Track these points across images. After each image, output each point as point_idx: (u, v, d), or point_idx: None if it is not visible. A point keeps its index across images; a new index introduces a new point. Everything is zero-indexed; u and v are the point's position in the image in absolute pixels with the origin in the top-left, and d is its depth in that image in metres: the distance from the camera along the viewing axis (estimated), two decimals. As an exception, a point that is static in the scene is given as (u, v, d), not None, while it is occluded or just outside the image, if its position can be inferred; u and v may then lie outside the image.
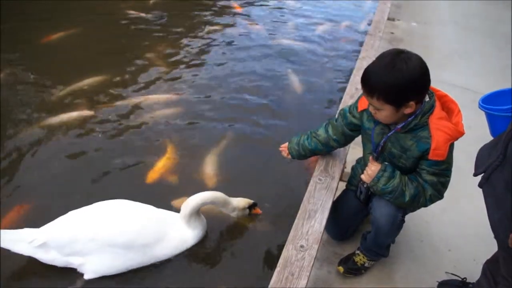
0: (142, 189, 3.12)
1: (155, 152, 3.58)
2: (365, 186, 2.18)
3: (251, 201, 2.82)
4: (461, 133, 1.87)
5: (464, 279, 2.36)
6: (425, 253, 2.62)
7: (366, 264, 2.41)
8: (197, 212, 2.62)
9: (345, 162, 2.71)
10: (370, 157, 2.09)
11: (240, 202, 2.77)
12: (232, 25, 6.21)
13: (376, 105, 1.85)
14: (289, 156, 2.53)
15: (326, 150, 2.42)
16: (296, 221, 2.07)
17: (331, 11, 7.06)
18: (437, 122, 1.87)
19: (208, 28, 6.05)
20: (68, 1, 6.67)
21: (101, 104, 4.22)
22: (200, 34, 5.86)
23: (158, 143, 3.70)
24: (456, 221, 2.84)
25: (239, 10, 6.70)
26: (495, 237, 1.71)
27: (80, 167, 3.38)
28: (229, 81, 4.71)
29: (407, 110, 1.83)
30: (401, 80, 1.74)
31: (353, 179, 2.45)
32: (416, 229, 2.77)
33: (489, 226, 1.74)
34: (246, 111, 4.18)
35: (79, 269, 2.49)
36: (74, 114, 4.00)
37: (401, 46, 2.66)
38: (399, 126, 1.92)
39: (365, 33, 5.19)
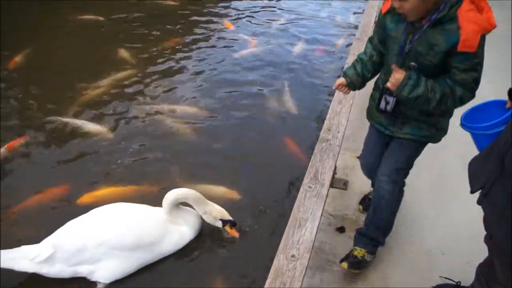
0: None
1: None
2: (393, 95, 2.08)
3: (228, 217, 2.79)
4: (493, 26, 1.80)
5: (458, 283, 2.34)
6: (419, 257, 2.60)
7: (366, 257, 2.40)
8: (178, 206, 2.75)
9: (335, 168, 2.70)
10: (394, 65, 2.00)
11: (214, 209, 2.78)
12: (222, 43, 6.21)
13: None
14: (347, 89, 2.35)
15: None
16: (286, 229, 2.04)
17: (321, 25, 7.18)
18: (466, 14, 1.79)
19: (198, 44, 6.07)
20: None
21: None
22: (189, 51, 5.88)
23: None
24: (449, 224, 2.83)
25: (231, 28, 6.69)
26: (492, 246, 1.68)
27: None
28: (217, 97, 4.73)
29: None
30: None
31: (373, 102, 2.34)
32: (408, 232, 2.75)
33: (482, 229, 1.72)
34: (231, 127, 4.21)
35: (90, 277, 2.51)
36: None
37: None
38: (426, 20, 1.87)
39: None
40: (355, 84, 2.30)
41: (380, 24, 2.13)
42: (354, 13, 8.03)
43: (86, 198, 3.16)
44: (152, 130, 4.06)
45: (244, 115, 4.39)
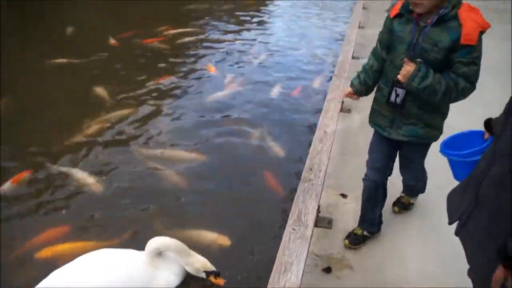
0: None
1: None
2: (404, 86, 2.25)
3: (212, 268, 2.73)
4: (488, 25, 2.06)
5: None
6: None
7: (412, 201, 3.10)
8: (161, 254, 2.69)
9: (318, 207, 2.69)
10: (405, 58, 2.19)
11: (197, 261, 2.71)
12: (204, 84, 6.27)
13: None
14: (356, 97, 2.69)
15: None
16: (272, 275, 2.02)
17: (300, 65, 7.31)
18: (466, 13, 2.07)
19: (181, 85, 6.12)
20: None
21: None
22: (171, 91, 5.92)
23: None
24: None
25: (213, 72, 6.76)
26: (475, 279, 1.68)
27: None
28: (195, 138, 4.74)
29: None
30: None
31: (377, 103, 2.53)
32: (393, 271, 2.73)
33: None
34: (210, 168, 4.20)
35: None
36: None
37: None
38: (430, 19, 2.12)
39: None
40: (360, 91, 2.62)
41: (387, 29, 2.38)
42: (332, 50, 8.20)
43: (67, 247, 3.09)
44: (134, 173, 4.02)
45: (227, 156, 4.38)
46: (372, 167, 2.69)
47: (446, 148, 2.03)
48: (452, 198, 1.81)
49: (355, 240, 2.81)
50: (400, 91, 2.29)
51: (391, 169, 2.70)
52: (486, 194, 1.54)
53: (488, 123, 1.88)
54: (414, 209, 3.15)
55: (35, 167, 4.08)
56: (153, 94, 5.77)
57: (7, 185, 3.79)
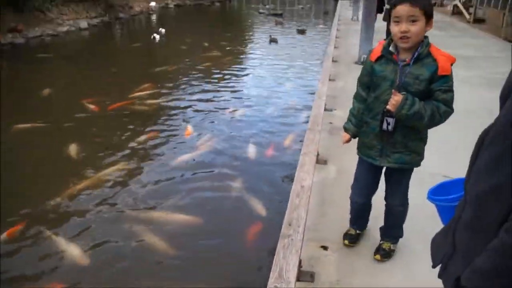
0: None
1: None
2: (393, 115, 2.55)
3: None
4: (454, 59, 2.51)
5: None
6: None
7: (392, 247, 3.14)
8: None
9: (300, 262, 2.73)
10: (394, 90, 2.52)
11: None
12: (181, 145, 6.37)
13: (417, 14, 2.38)
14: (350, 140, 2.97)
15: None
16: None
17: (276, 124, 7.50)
18: (436, 50, 2.52)
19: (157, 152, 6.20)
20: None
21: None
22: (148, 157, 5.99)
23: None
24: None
25: (190, 131, 6.91)
26: None
27: None
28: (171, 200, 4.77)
29: (428, 28, 2.46)
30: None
31: (365, 136, 2.83)
32: None
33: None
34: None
35: None
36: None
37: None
38: (409, 58, 2.51)
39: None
40: (355, 134, 2.93)
41: (368, 72, 2.74)
42: (305, 101, 8.45)
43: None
44: (116, 235, 4.03)
45: (207, 214, 4.45)
46: (358, 192, 3.07)
47: (433, 195, 2.13)
48: (435, 242, 1.88)
49: (352, 239, 3.26)
50: (391, 120, 2.61)
51: (376, 190, 3.08)
52: (459, 239, 1.62)
53: None
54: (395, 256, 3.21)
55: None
56: (131, 156, 5.85)
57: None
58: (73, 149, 6.09)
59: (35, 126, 6.96)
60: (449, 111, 2.53)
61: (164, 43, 17.36)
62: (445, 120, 2.56)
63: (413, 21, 2.41)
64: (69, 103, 8.42)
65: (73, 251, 3.92)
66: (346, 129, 2.96)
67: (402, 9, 2.42)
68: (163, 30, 18.76)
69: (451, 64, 2.50)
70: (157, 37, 17.92)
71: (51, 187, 5.07)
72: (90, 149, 6.11)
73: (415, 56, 2.50)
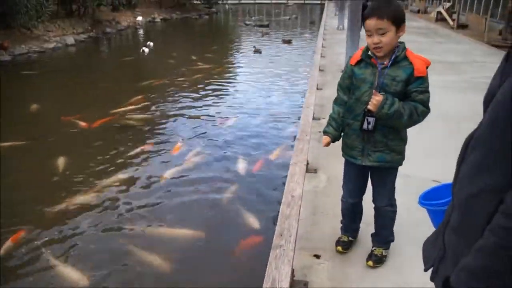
0: None
1: None
2: (374, 114, 2.65)
3: None
4: (430, 62, 2.66)
5: None
6: None
7: (384, 253, 3.16)
8: None
9: (292, 271, 2.74)
10: (374, 91, 2.63)
11: None
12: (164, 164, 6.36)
13: (384, 26, 2.52)
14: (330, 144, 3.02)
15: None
16: None
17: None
18: (412, 54, 2.67)
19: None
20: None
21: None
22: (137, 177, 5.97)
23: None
24: None
25: (176, 152, 6.88)
26: None
27: None
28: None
29: (400, 33, 2.59)
30: (398, 6, 2.63)
31: (347, 137, 2.94)
32: None
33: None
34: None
35: None
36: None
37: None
38: (387, 61, 2.65)
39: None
40: (336, 137, 2.99)
41: (348, 75, 2.87)
42: (294, 110, 8.49)
43: None
44: (113, 253, 4.02)
45: (200, 227, 4.42)
46: (349, 192, 3.16)
47: (424, 200, 2.15)
48: (427, 246, 1.91)
49: (345, 246, 3.29)
50: (371, 119, 2.71)
51: (365, 189, 3.16)
52: (448, 242, 1.64)
53: None
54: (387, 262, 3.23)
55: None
56: (120, 171, 5.82)
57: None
58: (61, 165, 6.06)
59: (18, 144, 6.90)
60: (426, 111, 2.67)
61: (152, 57, 17.40)
62: (422, 119, 2.68)
63: (382, 33, 2.55)
64: (55, 119, 8.38)
65: (67, 271, 3.89)
66: (326, 133, 3.04)
67: (370, 23, 2.57)
68: (151, 44, 18.84)
69: (427, 67, 2.64)
70: (146, 50, 18.01)
71: (41, 204, 5.03)
72: (78, 166, 6.08)
73: (392, 59, 2.65)
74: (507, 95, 1.09)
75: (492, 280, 1.08)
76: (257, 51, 18.26)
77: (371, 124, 2.73)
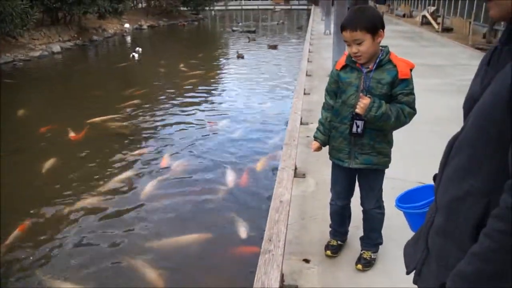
0: None
1: None
2: (362, 117, 2.68)
3: None
4: (413, 64, 2.72)
5: None
6: None
7: (373, 256, 3.17)
8: None
9: (282, 276, 2.74)
10: (361, 94, 2.69)
11: None
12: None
13: (359, 37, 2.57)
14: (321, 148, 3.08)
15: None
16: None
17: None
18: (395, 57, 2.73)
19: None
20: None
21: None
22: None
23: None
24: None
25: (164, 165, 6.83)
26: None
27: None
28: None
29: (379, 39, 2.61)
30: (372, 13, 2.64)
31: (334, 140, 2.95)
32: None
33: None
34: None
35: None
36: None
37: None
38: (371, 65, 2.69)
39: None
40: (325, 141, 3.04)
41: (334, 80, 2.91)
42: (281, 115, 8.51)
43: None
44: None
45: (188, 241, 4.42)
46: (337, 195, 3.18)
47: (400, 203, 2.17)
48: (407, 249, 1.92)
49: (334, 250, 3.30)
50: (360, 123, 2.74)
51: (353, 192, 3.19)
52: (432, 244, 1.66)
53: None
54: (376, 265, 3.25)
55: None
56: (106, 181, 5.77)
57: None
58: (44, 176, 5.99)
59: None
60: (413, 112, 2.72)
61: (140, 64, 17.35)
62: (409, 121, 2.73)
63: (359, 43, 2.60)
64: (33, 130, 8.26)
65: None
66: (315, 138, 3.10)
67: (345, 35, 2.64)
68: (140, 49, 18.85)
69: (411, 70, 2.70)
70: (136, 56, 18.05)
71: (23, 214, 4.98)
72: (61, 176, 6.01)
73: (376, 63, 2.70)
74: (494, 98, 1.11)
75: (489, 284, 1.09)
76: (240, 56, 18.41)
77: (360, 127, 2.76)
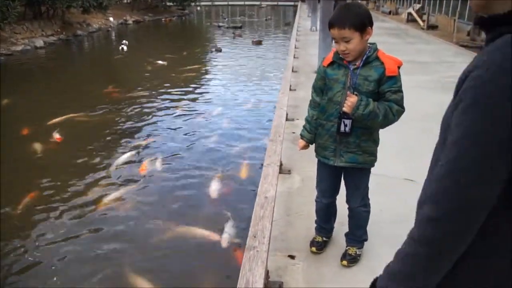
0: None
1: None
2: (350, 116, 2.66)
3: None
4: (401, 62, 2.69)
5: None
6: None
7: (358, 252, 3.17)
8: None
9: (267, 272, 2.72)
10: (348, 92, 2.66)
11: None
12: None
13: (347, 35, 2.54)
14: (308, 146, 3.09)
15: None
16: None
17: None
18: (383, 54, 2.69)
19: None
20: None
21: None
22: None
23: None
24: None
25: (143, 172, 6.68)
26: None
27: None
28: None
29: (367, 36, 2.58)
30: (361, 10, 2.60)
31: (320, 138, 2.93)
32: None
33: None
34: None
35: None
36: None
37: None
38: (359, 62, 2.66)
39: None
40: (311, 140, 3.02)
41: (321, 76, 2.87)
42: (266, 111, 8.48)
43: None
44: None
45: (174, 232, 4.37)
46: (322, 193, 3.17)
47: None
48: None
49: (319, 246, 3.28)
50: (348, 122, 2.72)
51: (338, 189, 3.17)
52: None
53: None
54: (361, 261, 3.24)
55: None
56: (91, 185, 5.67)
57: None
58: (29, 178, 5.88)
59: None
60: (401, 110, 2.68)
61: (124, 59, 17.16)
62: (398, 119, 2.70)
63: (347, 41, 2.58)
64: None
65: None
66: (302, 136, 3.09)
67: (333, 33, 2.61)
68: (126, 42, 19.30)
69: (398, 67, 2.67)
70: (125, 48, 18.54)
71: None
72: (44, 176, 5.90)
73: (363, 59, 2.68)
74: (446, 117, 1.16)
75: (406, 283, 1.17)
76: (218, 50, 19.07)
77: (348, 126, 2.74)
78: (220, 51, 18.79)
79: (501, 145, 1.00)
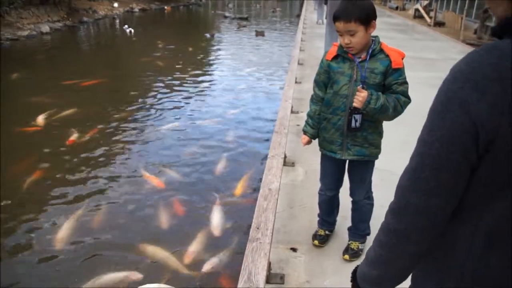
0: None
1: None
2: (360, 111, 2.67)
3: None
4: (404, 54, 2.73)
5: None
6: None
7: (360, 247, 3.19)
8: None
9: (269, 264, 2.72)
10: (358, 87, 2.65)
11: None
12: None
13: (353, 28, 2.53)
14: (311, 141, 3.07)
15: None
16: None
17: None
18: (386, 46, 2.72)
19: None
20: None
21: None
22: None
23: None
24: None
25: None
26: None
27: None
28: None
29: (371, 30, 2.59)
30: (365, 4, 2.57)
31: (326, 132, 2.92)
32: None
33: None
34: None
35: None
36: None
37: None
38: (364, 55, 2.67)
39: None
40: (314, 135, 3.02)
41: (324, 70, 2.87)
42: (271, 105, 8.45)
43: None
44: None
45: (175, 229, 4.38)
46: (326, 185, 3.18)
47: None
48: None
49: (321, 239, 3.31)
50: (358, 117, 2.73)
51: (342, 182, 3.18)
52: None
53: None
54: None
55: None
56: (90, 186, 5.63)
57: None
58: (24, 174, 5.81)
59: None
60: (408, 101, 2.72)
61: (129, 48, 17.09)
62: (404, 110, 2.73)
63: (352, 34, 2.58)
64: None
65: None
66: (304, 132, 3.08)
67: (338, 26, 2.61)
68: (130, 29, 20.44)
69: (402, 59, 2.70)
70: (132, 30, 19.72)
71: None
72: (36, 177, 5.80)
73: (369, 53, 2.68)
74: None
75: (380, 268, 1.22)
76: (212, 35, 20.36)
77: (358, 121, 2.75)
78: (213, 36, 19.95)
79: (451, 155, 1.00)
